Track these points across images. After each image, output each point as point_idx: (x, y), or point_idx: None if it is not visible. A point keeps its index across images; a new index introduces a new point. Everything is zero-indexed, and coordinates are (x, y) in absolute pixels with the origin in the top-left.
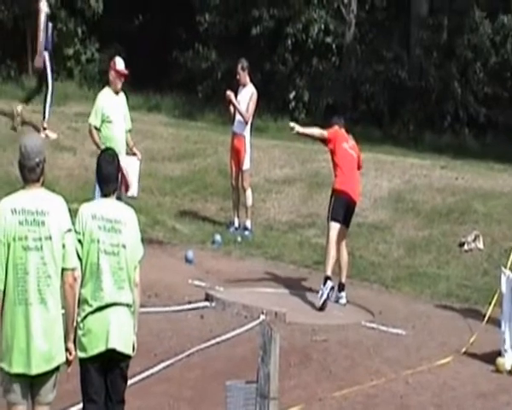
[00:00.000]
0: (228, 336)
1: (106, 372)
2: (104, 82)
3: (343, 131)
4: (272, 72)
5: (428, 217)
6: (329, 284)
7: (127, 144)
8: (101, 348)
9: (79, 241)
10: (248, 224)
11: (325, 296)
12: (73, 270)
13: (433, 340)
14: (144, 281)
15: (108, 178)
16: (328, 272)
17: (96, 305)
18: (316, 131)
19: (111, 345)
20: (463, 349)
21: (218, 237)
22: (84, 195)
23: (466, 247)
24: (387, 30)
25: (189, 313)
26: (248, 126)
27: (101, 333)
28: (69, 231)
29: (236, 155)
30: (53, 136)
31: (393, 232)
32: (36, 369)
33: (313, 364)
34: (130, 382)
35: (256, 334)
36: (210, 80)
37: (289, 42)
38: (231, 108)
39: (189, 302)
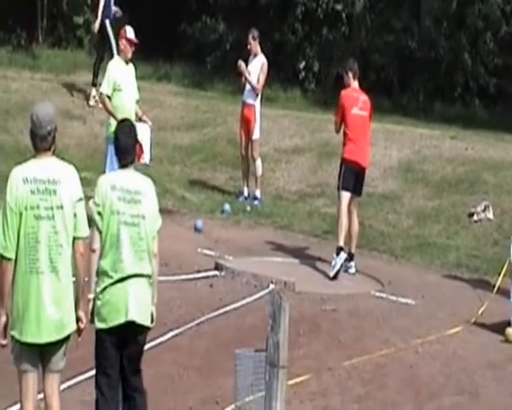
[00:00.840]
0: (237, 305)
1: (123, 344)
2: None
3: (355, 84)
4: (282, 42)
5: (438, 187)
6: (343, 255)
7: (136, 114)
8: (120, 320)
9: (99, 213)
10: (258, 193)
11: (338, 267)
12: (84, 239)
13: (442, 310)
14: None
15: (126, 148)
16: (341, 243)
17: (116, 276)
18: (338, 120)
19: (131, 317)
20: (473, 319)
21: (227, 207)
22: (93, 163)
23: (475, 217)
24: (398, 0)
25: (198, 282)
26: (259, 96)
27: (121, 305)
28: (80, 199)
29: (246, 124)
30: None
31: (403, 202)
32: (47, 338)
33: (322, 333)
34: None
35: (265, 303)
36: (218, 51)
37: (299, 10)
38: (242, 78)
39: (199, 271)
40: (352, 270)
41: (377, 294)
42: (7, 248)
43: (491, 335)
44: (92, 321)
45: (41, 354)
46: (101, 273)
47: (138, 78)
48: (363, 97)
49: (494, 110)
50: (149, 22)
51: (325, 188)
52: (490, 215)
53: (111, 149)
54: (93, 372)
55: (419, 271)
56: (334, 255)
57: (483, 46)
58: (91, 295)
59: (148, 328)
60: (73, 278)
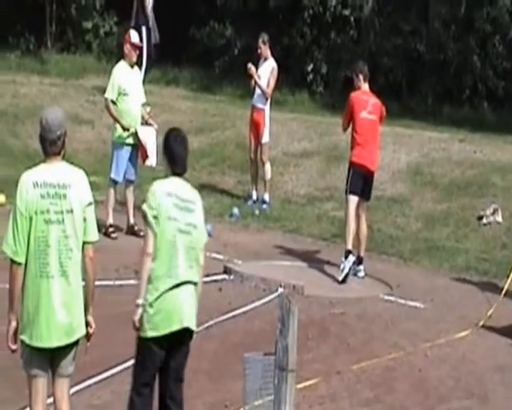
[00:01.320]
0: (246, 308)
1: (170, 352)
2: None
3: (365, 87)
4: (290, 45)
5: (447, 190)
6: (351, 258)
7: (142, 117)
8: (174, 327)
9: (155, 216)
10: (267, 197)
11: (347, 270)
12: (94, 243)
13: (451, 313)
14: None
15: (179, 158)
16: (349, 246)
17: (171, 283)
18: (345, 121)
19: (185, 323)
20: (481, 322)
21: (235, 210)
22: (102, 168)
23: (484, 220)
24: (406, 3)
25: (207, 286)
26: (268, 100)
27: (175, 311)
28: (90, 204)
29: (256, 128)
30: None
31: (412, 205)
32: (57, 342)
33: (331, 337)
34: None
35: (274, 307)
36: (227, 56)
37: (307, 14)
38: (252, 82)
39: (207, 275)
40: (361, 273)
41: (386, 297)
42: (17, 252)
43: (499, 338)
44: (139, 329)
45: (51, 359)
46: (154, 279)
47: (147, 82)
48: (374, 100)
49: (502, 113)
50: (158, 27)
51: (334, 191)
52: (499, 218)
53: (116, 153)
54: (102, 376)
55: (428, 274)
56: (343, 259)
57: (491, 49)
58: (140, 301)
59: (193, 334)
60: (83, 283)
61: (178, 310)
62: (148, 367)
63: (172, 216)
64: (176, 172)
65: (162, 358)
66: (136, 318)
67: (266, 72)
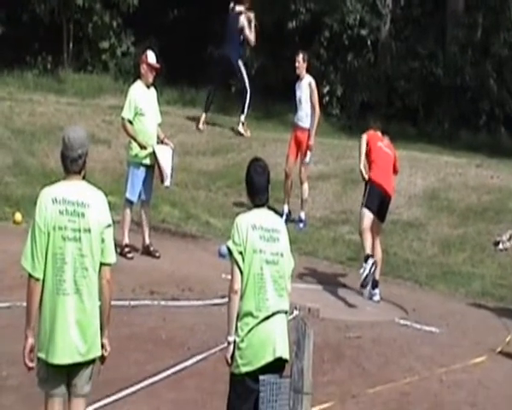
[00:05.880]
0: None
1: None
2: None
3: (378, 133)
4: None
5: (463, 215)
6: (370, 260)
7: (158, 137)
8: (268, 359)
9: (240, 252)
10: (303, 215)
11: (367, 272)
12: (111, 265)
13: (467, 338)
14: (178, 275)
15: (261, 189)
16: (368, 251)
17: (262, 316)
18: (362, 151)
19: (278, 354)
20: (498, 349)
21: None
22: (119, 187)
23: (501, 246)
24: (423, 27)
25: (222, 308)
26: (316, 119)
27: (268, 343)
28: (109, 226)
29: (297, 146)
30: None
31: (428, 230)
32: (69, 359)
33: (346, 360)
34: (163, 375)
35: (289, 329)
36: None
37: (324, 36)
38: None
39: (222, 297)
40: (377, 297)
41: (401, 321)
42: (35, 268)
43: None
44: (231, 365)
45: (67, 378)
46: (244, 315)
47: (164, 103)
48: (388, 141)
49: None
50: (174, 46)
51: (350, 215)
52: None
53: (132, 173)
54: (116, 397)
55: (444, 299)
56: (363, 263)
57: (509, 74)
58: (231, 338)
59: (287, 362)
60: (99, 303)
61: (271, 341)
62: (244, 403)
63: (258, 248)
64: (257, 203)
65: (255, 394)
66: (228, 355)
67: (305, 91)
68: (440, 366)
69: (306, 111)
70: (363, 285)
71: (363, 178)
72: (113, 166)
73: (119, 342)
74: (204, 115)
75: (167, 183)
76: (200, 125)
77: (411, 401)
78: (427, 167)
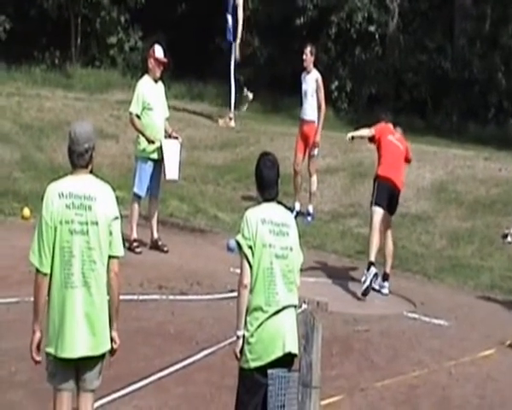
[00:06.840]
0: None
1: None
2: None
3: (390, 125)
4: (314, 61)
5: (471, 208)
6: (373, 270)
7: (165, 131)
8: (278, 354)
9: (250, 247)
10: (311, 209)
11: (368, 283)
12: (119, 258)
13: (475, 331)
14: (186, 269)
15: (270, 183)
16: (372, 258)
17: (272, 310)
18: (365, 131)
19: (288, 349)
20: (508, 342)
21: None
22: (127, 182)
23: (509, 238)
24: (431, 20)
25: (230, 302)
26: (322, 113)
27: (278, 338)
28: (116, 218)
29: (304, 140)
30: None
31: (436, 223)
32: (79, 353)
33: (355, 354)
34: (171, 369)
35: (298, 323)
36: (252, 67)
37: (332, 30)
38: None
39: (231, 291)
40: (386, 290)
41: (410, 315)
42: (42, 263)
43: None
44: (240, 359)
45: (76, 372)
46: (253, 310)
47: (171, 97)
48: (399, 134)
49: None
50: (182, 40)
51: (358, 208)
52: None
53: (140, 168)
54: (125, 391)
55: (452, 292)
56: (365, 271)
57: None
58: (240, 333)
59: (296, 356)
60: (107, 297)
61: (281, 336)
62: (253, 397)
63: (267, 243)
64: (266, 198)
65: (266, 386)
66: (237, 349)
67: (312, 86)
68: (449, 359)
69: (311, 104)
70: (364, 294)
71: (352, 137)
72: (120, 160)
73: (127, 337)
74: (231, 113)
75: (175, 176)
76: (232, 123)
77: (420, 394)
78: (435, 160)
